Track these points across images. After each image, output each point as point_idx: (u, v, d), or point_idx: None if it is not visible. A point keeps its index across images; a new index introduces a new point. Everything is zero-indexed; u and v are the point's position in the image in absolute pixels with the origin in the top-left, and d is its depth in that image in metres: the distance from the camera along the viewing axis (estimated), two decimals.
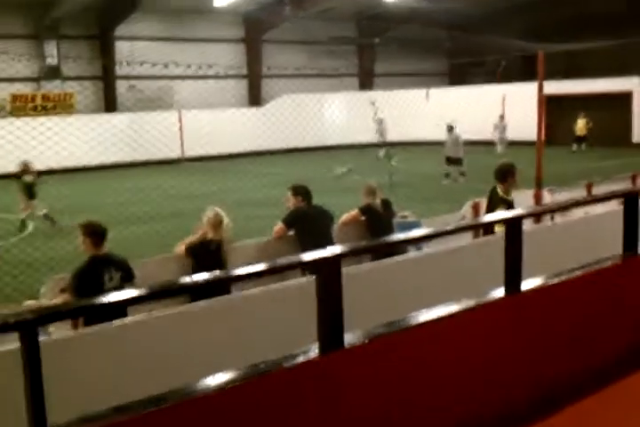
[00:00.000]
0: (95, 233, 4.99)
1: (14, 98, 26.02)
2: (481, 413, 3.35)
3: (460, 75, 36.54)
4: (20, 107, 26.12)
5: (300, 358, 2.73)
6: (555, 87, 21.28)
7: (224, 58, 29.67)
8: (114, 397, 2.53)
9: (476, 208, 7.77)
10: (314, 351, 2.77)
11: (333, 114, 29.84)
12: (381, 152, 25.54)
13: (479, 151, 23.14)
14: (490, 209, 6.09)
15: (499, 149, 25.02)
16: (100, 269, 4.89)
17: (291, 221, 6.33)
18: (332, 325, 2.83)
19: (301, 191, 6.53)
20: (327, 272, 2.85)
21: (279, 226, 6.32)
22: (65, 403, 2.51)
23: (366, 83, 35.34)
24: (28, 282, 6.93)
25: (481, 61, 31.73)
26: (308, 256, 2.93)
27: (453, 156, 18.65)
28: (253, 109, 29.99)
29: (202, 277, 2.82)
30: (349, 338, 2.88)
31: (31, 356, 2.09)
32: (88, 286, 4.77)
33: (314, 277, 3.00)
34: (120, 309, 3.83)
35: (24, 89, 26.47)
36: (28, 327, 2.13)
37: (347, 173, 17.28)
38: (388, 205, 6.97)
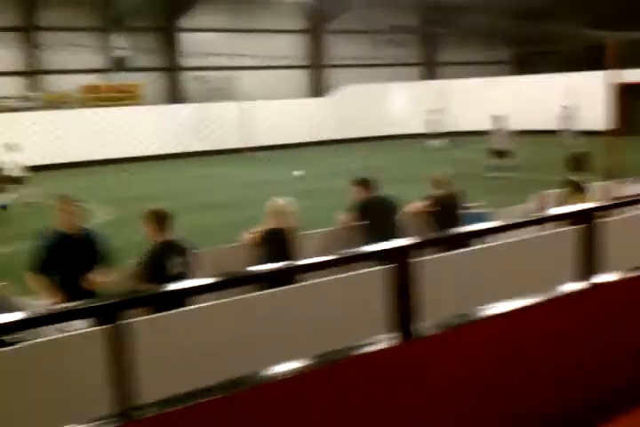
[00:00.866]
0: (159, 219, 5.07)
1: (84, 89, 26.77)
2: (549, 408, 3.30)
3: (523, 64, 35.74)
4: (90, 98, 26.85)
5: (372, 348, 2.75)
6: (628, 76, 20.59)
7: (287, 49, 29.83)
8: (188, 380, 2.60)
9: (543, 200, 7.62)
10: (385, 341, 2.79)
11: (396, 103, 29.64)
12: (436, 142, 25.20)
13: (545, 142, 22.63)
14: (564, 199, 5.98)
15: (565, 139, 24.36)
16: (163, 256, 4.98)
17: (356, 211, 6.35)
18: (402, 314, 2.84)
19: (366, 182, 6.55)
20: (399, 262, 2.86)
21: (345, 216, 6.35)
22: (141, 384, 2.59)
23: (428, 72, 34.99)
24: None
25: (546, 50, 30.97)
26: (381, 246, 2.94)
27: (501, 148, 17.73)
28: (316, 100, 30.06)
29: (271, 266, 2.85)
30: (420, 328, 2.88)
31: (111, 339, 2.17)
32: (153, 273, 4.87)
33: (380, 267, 3.01)
34: (180, 298, 3.86)
35: (93, 80, 27.21)
36: (110, 312, 2.20)
37: (302, 177, 16.90)
38: (456, 197, 6.91)
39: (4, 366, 2.96)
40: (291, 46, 30.65)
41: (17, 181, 15.58)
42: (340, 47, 31.05)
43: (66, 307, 2.24)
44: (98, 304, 2.26)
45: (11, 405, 2.91)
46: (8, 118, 18.51)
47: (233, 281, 2.79)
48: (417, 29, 34.19)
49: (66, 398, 2.94)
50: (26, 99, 25.69)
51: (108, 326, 2.24)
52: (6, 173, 15.46)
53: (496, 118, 18.41)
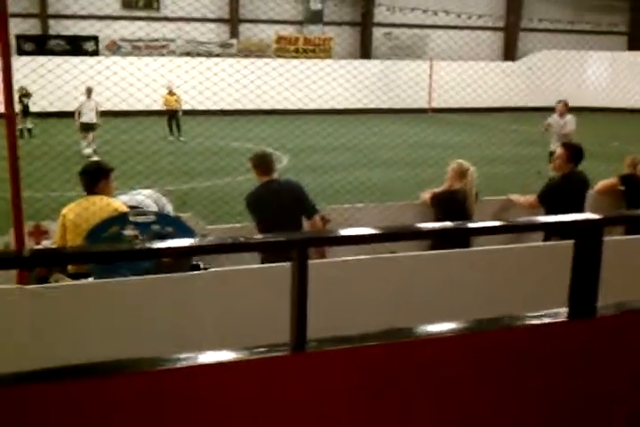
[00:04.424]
0: (262, 163, 5.19)
1: (279, 39, 27.60)
2: None
3: None
4: (283, 48, 27.66)
5: (547, 319, 2.68)
6: None
7: (482, 8, 28.73)
8: (350, 324, 2.66)
9: None
10: (562, 315, 2.70)
11: (596, 74, 27.70)
12: None
13: None
14: None
15: None
16: (267, 194, 5.10)
17: (546, 196, 5.70)
18: (584, 292, 2.73)
19: (577, 154, 5.75)
20: (588, 238, 2.73)
21: (533, 199, 5.88)
22: (313, 321, 2.70)
23: (636, 43, 32.24)
24: None
25: None
26: (570, 218, 2.82)
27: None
28: (508, 63, 28.88)
29: (444, 225, 2.82)
30: (601, 308, 2.76)
31: (301, 274, 2.28)
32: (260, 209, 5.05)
33: (563, 241, 2.87)
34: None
35: (286, 31, 27.93)
36: (301, 247, 2.31)
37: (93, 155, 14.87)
38: None
39: (196, 287, 3.22)
40: (487, 6, 29.51)
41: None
42: (539, 9, 29.40)
43: (263, 237, 2.37)
44: (291, 240, 2.36)
45: (200, 322, 3.18)
46: (209, 63, 19.67)
47: (398, 235, 2.73)
48: None
49: (247, 323, 3.16)
50: (226, 45, 27.00)
51: (290, 262, 2.35)
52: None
53: None
